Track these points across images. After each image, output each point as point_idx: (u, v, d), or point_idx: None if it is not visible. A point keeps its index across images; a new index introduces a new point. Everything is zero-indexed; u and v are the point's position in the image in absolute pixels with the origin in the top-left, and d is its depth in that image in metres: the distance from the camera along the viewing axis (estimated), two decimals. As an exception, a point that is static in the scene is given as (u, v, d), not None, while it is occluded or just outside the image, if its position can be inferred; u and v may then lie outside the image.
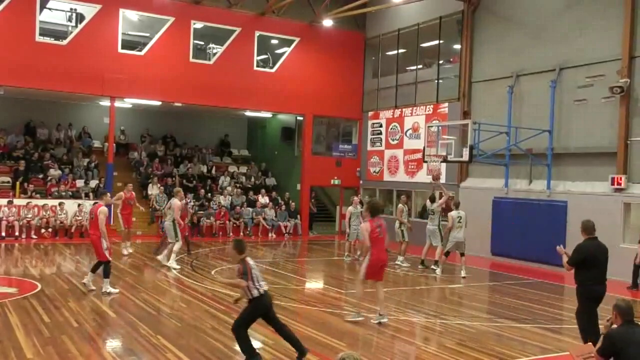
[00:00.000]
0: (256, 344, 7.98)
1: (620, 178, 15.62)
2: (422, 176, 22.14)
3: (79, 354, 7.52)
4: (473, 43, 20.47)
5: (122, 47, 21.22)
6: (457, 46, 21.45)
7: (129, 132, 25.70)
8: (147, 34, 22.60)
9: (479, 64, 20.26)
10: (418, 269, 15.61)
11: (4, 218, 19.10)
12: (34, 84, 19.77)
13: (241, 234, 22.61)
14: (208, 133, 27.44)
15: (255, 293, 7.18)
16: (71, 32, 20.94)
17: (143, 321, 9.24)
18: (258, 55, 23.77)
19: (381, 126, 24.47)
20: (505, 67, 19.10)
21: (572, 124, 17.19)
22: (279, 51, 24.86)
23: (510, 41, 19.08)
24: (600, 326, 7.44)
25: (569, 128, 17.25)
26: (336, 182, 25.29)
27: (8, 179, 21.10)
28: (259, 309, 7.25)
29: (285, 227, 23.53)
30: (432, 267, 15.38)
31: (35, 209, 19.77)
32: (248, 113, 26.13)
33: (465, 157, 16.67)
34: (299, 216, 24.26)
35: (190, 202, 22.10)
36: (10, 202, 19.35)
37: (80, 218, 19.88)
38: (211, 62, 22.90)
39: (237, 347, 7.89)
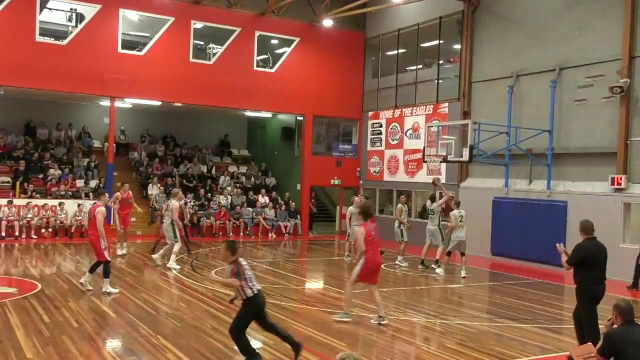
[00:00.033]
0: (256, 344, 7.98)
1: (620, 178, 15.62)
2: (422, 176, 22.16)
3: (79, 354, 7.51)
4: (473, 43, 20.47)
5: (122, 47, 21.22)
6: (457, 46, 21.45)
7: (129, 132, 25.70)
8: (147, 34, 22.60)
9: (479, 64, 20.26)
10: (418, 269, 15.61)
11: (4, 218, 19.10)
12: (34, 84, 19.77)
13: (241, 234, 22.64)
14: (208, 133, 27.44)
15: (249, 293, 7.19)
16: (71, 32, 20.94)
17: (143, 321, 9.24)
18: (258, 55, 23.78)
19: (381, 126, 24.47)
20: (505, 67, 19.10)
21: (572, 124, 17.19)
22: (279, 51, 24.86)
23: (510, 41, 19.08)
24: (600, 326, 7.44)
25: (569, 128, 17.25)
26: (336, 182, 25.30)
27: (8, 179, 21.10)
28: (254, 308, 7.25)
29: (285, 227, 23.54)
30: (432, 266, 15.36)
31: (35, 209, 19.77)
32: (248, 113, 26.13)
33: (465, 157, 16.67)
34: (299, 216, 24.27)
35: (190, 202, 22.12)
36: (10, 202, 19.35)
37: (80, 218, 19.87)
38: (211, 62, 22.90)
39: (237, 348, 7.91)
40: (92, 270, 11.55)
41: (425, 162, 19.43)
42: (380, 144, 24.48)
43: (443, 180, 21.21)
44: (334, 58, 24.68)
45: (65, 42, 20.52)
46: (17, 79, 19.35)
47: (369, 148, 25.13)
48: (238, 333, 7.24)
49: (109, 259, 11.42)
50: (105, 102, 22.24)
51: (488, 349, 8.34)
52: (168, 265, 14.49)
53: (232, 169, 26.43)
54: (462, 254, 14.99)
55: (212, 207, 22.76)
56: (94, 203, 12.10)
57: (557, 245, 8.16)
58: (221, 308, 10.52)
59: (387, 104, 24.29)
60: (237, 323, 7.27)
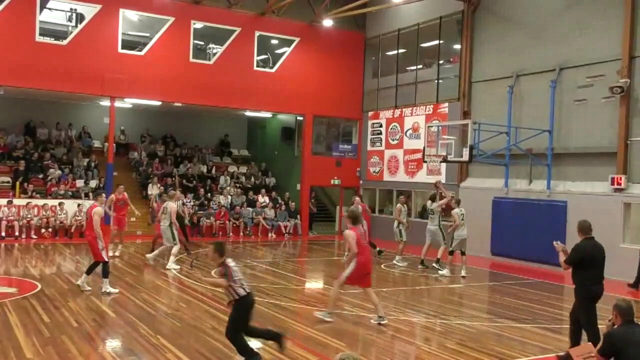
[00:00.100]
0: (256, 344, 7.98)
1: (620, 178, 15.62)
2: (422, 176, 22.17)
3: (79, 353, 7.51)
4: (473, 43, 20.47)
5: (122, 47, 21.22)
6: (457, 46, 21.45)
7: (129, 132, 25.71)
8: (147, 34, 22.60)
9: (479, 64, 20.26)
10: (418, 269, 15.61)
11: (4, 218, 19.10)
12: (34, 84, 19.77)
13: (241, 233, 22.63)
14: (208, 133, 27.44)
15: (242, 292, 7.20)
16: (71, 32, 20.94)
17: (143, 321, 9.24)
18: (258, 55, 23.77)
19: (381, 126, 24.47)
20: (505, 67, 19.10)
21: (572, 124, 17.19)
22: (278, 51, 24.86)
23: (510, 41, 19.08)
24: (601, 326, 7.43)
25: (569, 128, 17.25)
26: (336, 182, 25.30)
27: (8, 179, 21.11)
28: (245, 307, 7.25)
29: (285, 227, 23.54)
30: (434, 265, 15.34)
31: (35, 209, 19.76)
32: (248, 113, 26.13)
33: (465, 157, 16.67)
34: (298, 216, 24.27)
35: (189, 202, 22.13)
36: (10, 202, 19.35)
37: (80, 218, 19.87)
38: (211, 62, 22.90)
39: (236, 349, 7.91)
40: (89, 271, 11.53)
41: (425, 162, 19.43)
42: (380, 144, 24.47)
43: (443, 181, 21.25)
44: (334, 58, 24.68)
45: (65, 42, 20.52)
46: (17, 79, 19.35)
47: (369, 148, 25.13)
48: (235, 334, 7.24)
49: (106, 259, 11.42)
50: (105, 102, 22.24)
51: (488, 349, 8.34)
52: (167, 266, 14.47)
53: (232, 169, 26.43)
54: (463, 253, 15.00)
55: (212, 207, 22.75)
56: (92, 203, 12.14)
57: (555, 243, 8.11)
58: (221, 308, 10.51)
59: (387, 104, 24.29)
60: (233, 325, 7.27)
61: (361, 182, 25.45)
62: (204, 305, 10.60)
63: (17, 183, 20.40)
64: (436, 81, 22.22)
